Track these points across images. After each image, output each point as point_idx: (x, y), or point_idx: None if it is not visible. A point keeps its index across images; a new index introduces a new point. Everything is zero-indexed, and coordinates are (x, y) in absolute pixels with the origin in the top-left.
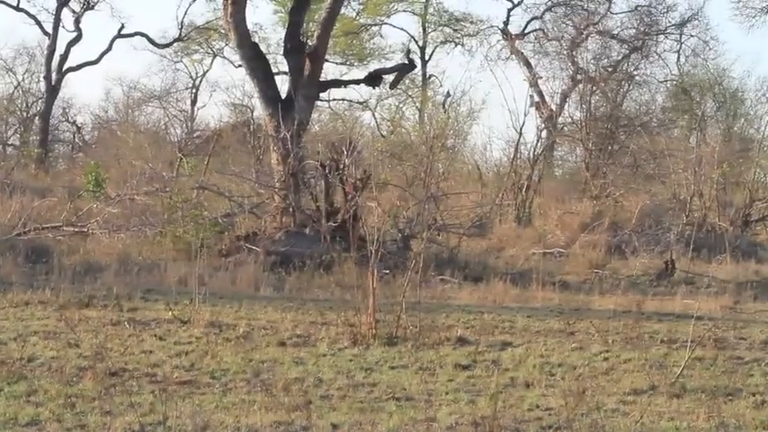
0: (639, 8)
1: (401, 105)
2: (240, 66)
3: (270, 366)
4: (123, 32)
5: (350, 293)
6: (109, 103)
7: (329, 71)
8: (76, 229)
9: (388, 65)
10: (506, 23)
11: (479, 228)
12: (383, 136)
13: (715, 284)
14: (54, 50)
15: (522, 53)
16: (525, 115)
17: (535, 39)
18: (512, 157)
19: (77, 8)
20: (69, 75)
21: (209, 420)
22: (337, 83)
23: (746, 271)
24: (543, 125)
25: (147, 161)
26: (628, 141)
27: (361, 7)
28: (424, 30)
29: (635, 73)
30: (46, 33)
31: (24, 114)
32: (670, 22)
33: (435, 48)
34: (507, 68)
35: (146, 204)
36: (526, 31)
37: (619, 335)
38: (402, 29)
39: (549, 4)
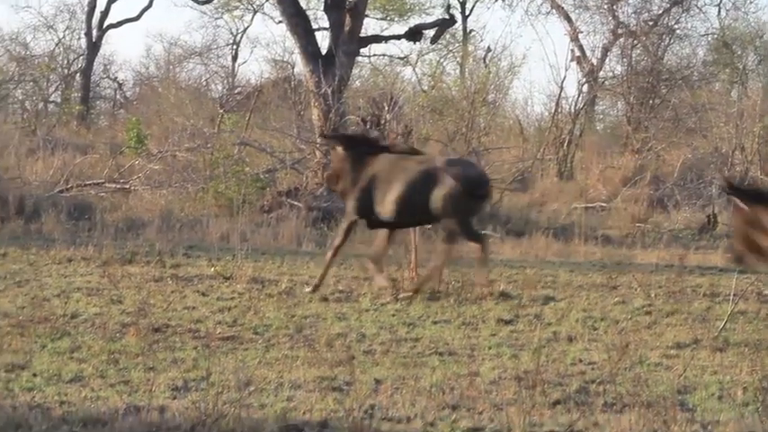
0: None
1: (442, 60)
2: (281, 22)
3: (312, 322)
4: None
5: (392, 249)
6: (150, 59)
7: (369, 26)
8: (118, 186)
9: (429, 20)
10: None
11: (521, 182)
12: (424, 91)
13: None
14: (94, 7)
15: (563, 7)
16: (566, 70)
17: None
18: (553, 111)
19: None
20: (110, 31)
21: (252, 376)
22: (378, 38)
23: None
24: (584, 79)
25: (188, 117)
26: (669, 95)
27: None
28: None
29: (676, 27)
30: None
31: (65, 71)
32: None
33: (476, 2)
34: (548, 23)
35: (187, 160)
36: None
37: (661, 289)
38: None
39: None
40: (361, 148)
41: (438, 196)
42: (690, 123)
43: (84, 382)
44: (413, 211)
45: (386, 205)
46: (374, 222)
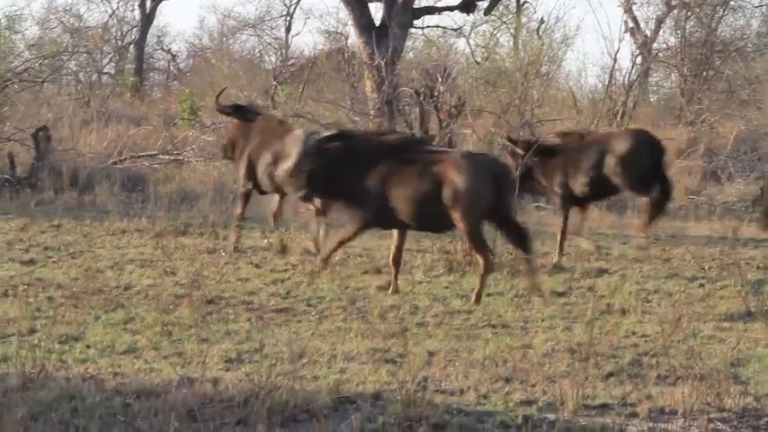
0: None
1: (495, 32)
2: None
3: (366, 294)
4: None
5: None
6: (203, 31)
7: None
8: (172, 158)
9: None
10: None
11: None
12: (477, 63)
13: None
14: None
15: None
16: (620, 41)
17: None
18: (606, 83)
19: None
20: (164, 3)
21: (306, 348)
22: (431, 9)
23: None
24: (638, 51)
25: (241, 89)
26: (723, 67)
27: None
28: None
29: None
30: None
31: (119, 43)
32: None
33: None
34: None
35: None
36: None
37: (714, 261)
38: None
39: None
40: (249, 117)
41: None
42: (744, 95)
43: (137, 354)
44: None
45: (260, 176)
46: (260, 191)
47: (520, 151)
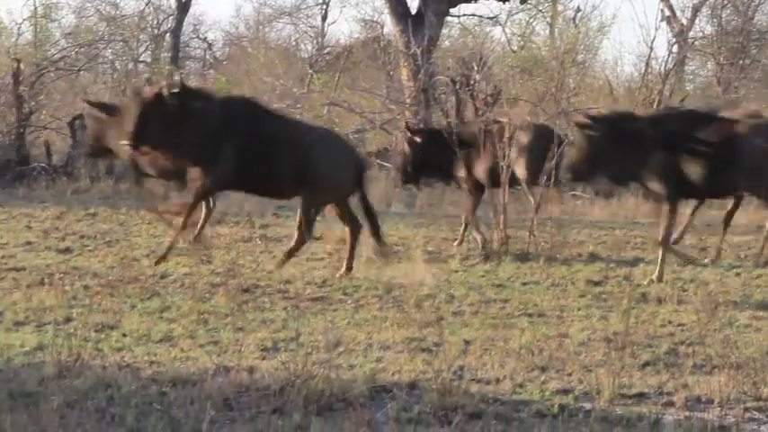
0: None
1: (531, 20)
2: None
3: (401, 283)
4: None
5: (481, 209)
6: (239, 19)
7: None
8: None
9: None
10: None
11: None
12: (513, 51)
13: None
14: None
15: None
16: (656, 30)
17: None
18: (643, 72)
19: None
20: None
21: (342, 336)
22: None
23: None
24: (674, 40)
25: (277, 77)
26: (759, 55)
27: None
28: None
29: None
30: None
31: (155, 31)
32: None
33: None
34: None
35: None
36: None
37: (751, 250)
38: None
39: None
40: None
41: None
42: None
43: (173, 342)
44: None
45: None
46: None
47: (417, 140)
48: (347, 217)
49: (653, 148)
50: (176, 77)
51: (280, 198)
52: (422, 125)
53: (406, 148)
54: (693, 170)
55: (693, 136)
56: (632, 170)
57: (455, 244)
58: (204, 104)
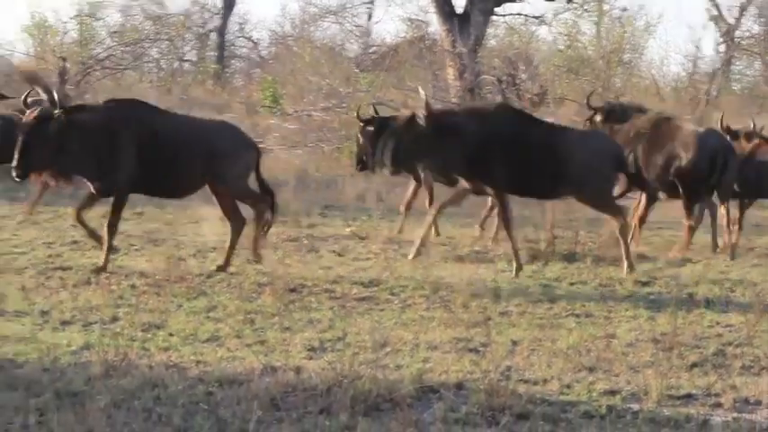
0: None
1: (577, 20)
2: None
3: (448, 283)
4: None
5: (528, 209)
6: (285, 18)
7: None
8: None
9: None
10: None
11: None
12: (559, 51)
13: None
14: None
15: None
16: (703, 29)
17: None
18: (689, 71)
19: None
20: None
21: (389, 337)
22: None
23: None
24: (721, 39)
25: (323, 77)
26: None
27: None
28: None
29: None
30: None
31: (201, 30)
32: None
33: None
34: None
35: (323, 120)
36: None
37: None
38: None
39: None
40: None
41: None
42: None
43: (220, 342)
44: None
45: None
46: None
47: (369, 128)
48: (232, 213)
49: (474, 143)
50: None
51: (183, 196)
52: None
53: (360, 137)
54: (518, 169)
55: (517, 136)
56: (456, 163)
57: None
58: (89, 116)
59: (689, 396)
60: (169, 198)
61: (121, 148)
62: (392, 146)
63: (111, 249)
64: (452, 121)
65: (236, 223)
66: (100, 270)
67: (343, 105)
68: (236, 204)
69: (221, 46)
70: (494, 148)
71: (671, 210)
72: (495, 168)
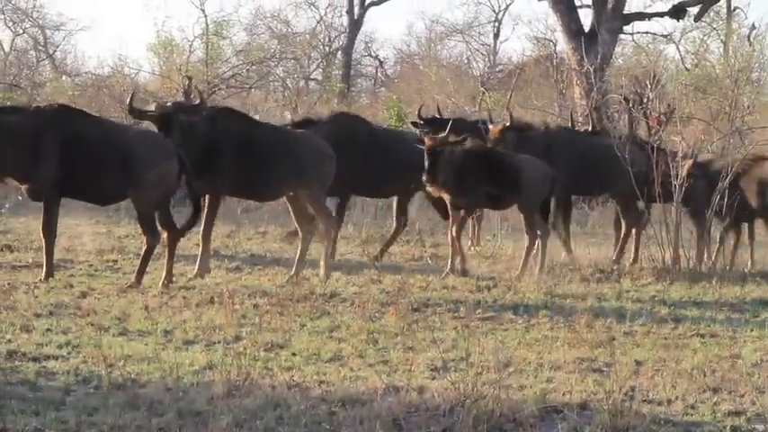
0: None
1: (705, 38)
2: None
3: (572, 302)
4: None
5: (654, 229)
6: (411, 37)
7: (633, 3)
8: None
9: None
10: None
11: None
12: (687, 69)
13: None
14: None
15: None
16: None
17: None
18: None
19: None
20: (371, 9)
21: (512, 356)
22: (641, 15)
23: None
24: None
25: (449, 95)
26: None
27: None
28: None
29: None
30: None
31: (327, 49)
32: None
33: None
34: None
35: None
36: None
37: None
38: None
39: None
40: None
41: None
42: None
43: (342, 362)
44: None
45: None
46: None
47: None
48: (166, 222)
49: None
50: None
51: (108, 203)
52: None
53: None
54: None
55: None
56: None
57: (629, 263)
58: (17, 118)
59: None
60: (95, 204)
61: (46, 150)
62: None
63: (51, 254)
64: None
65: (172, 231)
66: (47, 276)
67: None
68: (170, 212)
69: (347, 65)
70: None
71: None
72: None
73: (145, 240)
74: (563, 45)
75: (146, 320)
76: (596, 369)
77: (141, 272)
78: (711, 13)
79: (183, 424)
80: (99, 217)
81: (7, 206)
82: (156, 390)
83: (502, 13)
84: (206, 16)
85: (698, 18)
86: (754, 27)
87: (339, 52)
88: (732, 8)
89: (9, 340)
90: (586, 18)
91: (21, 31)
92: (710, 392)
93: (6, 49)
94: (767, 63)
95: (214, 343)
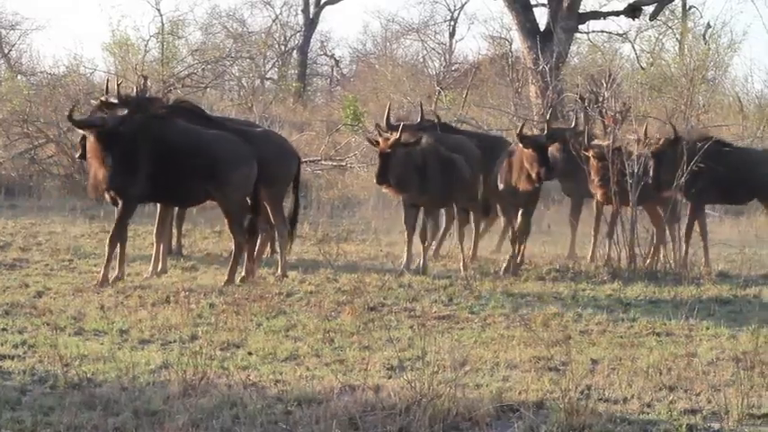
0: None
1: (661, 37)
2: None
3: (529, 301)
4: None
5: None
6: (367, 36)
7: (588, 2)
8: (335, 164)
9: None
10: None
11: None
12: (643, 68)
13: None
14: None
15: None
16: None
17: None
18: None
19: None
20: (327, 8)
21: (468, 355)
22: (596, 14)
23: None
24: None
25: (405, 94)
26: None
27: None
28: None
29: None
30: None
31: (282, 48)
32: None
33: None
34: None
35: None
36: None
37: None
38: None
39: None
40: None
41: None
42: None
43: (299, 361)
44: None
45: None
46: None
47: None
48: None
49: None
50: None
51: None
52: None
53: None
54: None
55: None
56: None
57: (585, 261)
58: None
59: None
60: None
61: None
62: None
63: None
64: None
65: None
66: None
67: None
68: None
69: (303, 64)
70: None
71: (754, 228)
72: None
73: (234, 241)
74: (518, 44)
75: (101, 320)
76: (552, 368)
77: (233, 270)
78: (667, 12)
79: (139, 423)
80: (54, 216)
81: None
82: (112, 389)
83: (457, 11)
84: (161, 15)
85: (653, 17)
86: (709, 26)
87: (295, 51)
88: (687, 7)
89: None
90: (542, 17)
91: None
92: (666, 391)
93: None
94: (722, 62)
95: (170, 342)
